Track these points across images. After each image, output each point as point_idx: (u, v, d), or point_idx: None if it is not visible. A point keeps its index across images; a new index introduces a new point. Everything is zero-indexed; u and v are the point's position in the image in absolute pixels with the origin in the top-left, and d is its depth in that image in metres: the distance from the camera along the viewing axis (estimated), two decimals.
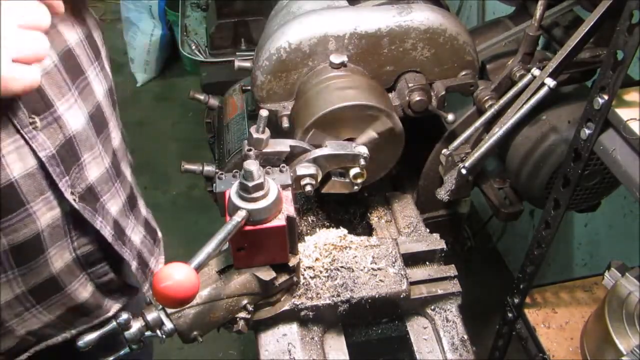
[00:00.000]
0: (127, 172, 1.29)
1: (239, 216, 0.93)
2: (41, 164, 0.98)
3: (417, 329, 1.26)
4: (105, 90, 1.16)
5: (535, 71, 1.26)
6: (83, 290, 1.16)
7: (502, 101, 1.29)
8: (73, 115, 1.04)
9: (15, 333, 1.10)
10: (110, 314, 1.24)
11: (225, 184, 1.01)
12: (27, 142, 0.96)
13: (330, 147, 1.15)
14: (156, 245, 1.40)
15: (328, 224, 1.41)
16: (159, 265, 1.37)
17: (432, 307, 1.26)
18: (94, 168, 1.12)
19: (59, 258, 1.08)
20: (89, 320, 1.21)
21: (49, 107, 0.99)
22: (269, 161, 1.10)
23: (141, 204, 1.39)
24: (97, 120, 1.12)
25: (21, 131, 0.95)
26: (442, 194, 1.40)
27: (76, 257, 1.11)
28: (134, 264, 1.24)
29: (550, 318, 1.50)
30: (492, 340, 1.69)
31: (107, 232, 1.14)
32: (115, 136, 1.21)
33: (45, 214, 1.02)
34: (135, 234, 1.28)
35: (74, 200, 1.05)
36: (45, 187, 1.00)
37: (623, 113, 1.04)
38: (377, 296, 1.17)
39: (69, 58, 1.05)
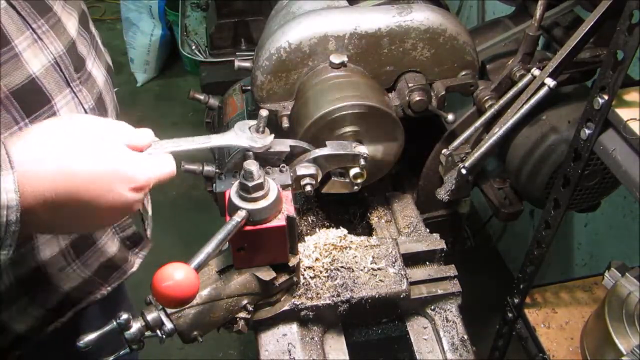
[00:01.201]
0: None
1: (239, 216, 0.93)
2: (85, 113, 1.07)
3: (417, 329, 1.26)
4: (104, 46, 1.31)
5: (535, 71, 1.26)
6: (112, 244, 1.26)
7: (502, 101, 1.29)
8: (97, 72, 1.16)
9: (60, 289, 1.18)
10: (134, 268, 1.36)
11: (225, 184, 1.01)
12: (75, 95, 1.06)
13: (330, 147, 1.15)
14: None
15: (328, 224, 1.41)
16: (149, 203, 1.48)
17: (432, 307, 1.26)
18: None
19: None
20: (119, 276, 1.32)
21: (82, 64, 1.10)
22: (269, 161, 1.10)
23: None
24: (110, 76, 1.26)
25: (71, 84, 1.05)
26: (442, 194, 1.40)
27: None
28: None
29: (550, 318, 1.50)
30: (492, 340, 1.69)
31: None
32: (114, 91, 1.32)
33: None
34: None
35: None
36: None
37: (623, 113, 1.04)
38: (377, 296, 1.17)
39: (85, 16, 1.19)
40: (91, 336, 0.93)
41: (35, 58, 0.99)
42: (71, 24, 1.11)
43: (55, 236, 1.11)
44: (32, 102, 0.98)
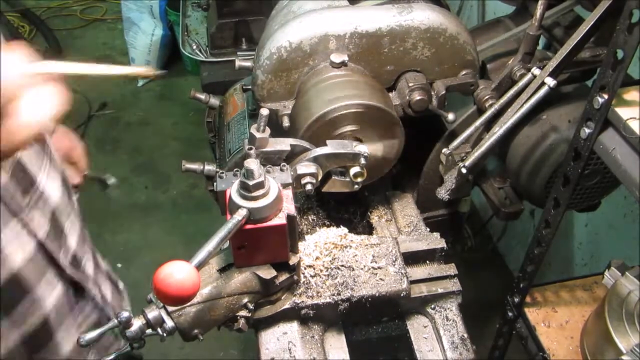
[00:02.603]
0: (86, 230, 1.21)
1: (240, 215, 0.93)
2: (39, 245, 0.94)
3: (417, 328, 1.26)
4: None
5: (536, 70, 1.26)
6: None
7: (502, 100, 1.29)
8: (52, 186, 0.99)
9: None
10: None
11: (225, 182, 1.01)
12: (24, 226, 0.91)
13: (330, 146, 1.15)
14: (121, 296, 1.35)
15: (328, 223, 1.41)
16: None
17: (432, 306, 1.26)
18: (73, 235, 1.08)
19: (68, 340, 1.06)
20: None
21: (33, 182, 0.94)
22: (270, 160, 1.11)
23: (99, 256, 1.30)
24: (66, 185, 1.07)
25: (18, 215, 0.90)
26: (443, 193, 1.40)
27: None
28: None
29: (550, 317, 1.50)
30: (492, 339, 1.69)
31: (97, 295, 1.12)
32: (74, 194, 1.15)
33: (49, 296, 0.99)
34: (107, 289, 1.25)
35: (71, 272, 1.03)
36: (45, 267, 0.97)
37: (623, 112, 1.04)
38: (377, 295, 1.18)
39: None
40: (92, 334, 0.93)
41: None
42: None
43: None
44: None
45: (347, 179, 1.19)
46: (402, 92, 1.28)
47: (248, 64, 1.37)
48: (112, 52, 4.62)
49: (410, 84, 1.26)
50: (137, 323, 0.95)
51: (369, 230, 1.43)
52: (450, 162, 1.36)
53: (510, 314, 1.53)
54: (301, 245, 1.22)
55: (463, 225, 1.64)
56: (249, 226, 0.96)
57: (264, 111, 1.05)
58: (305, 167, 1.12)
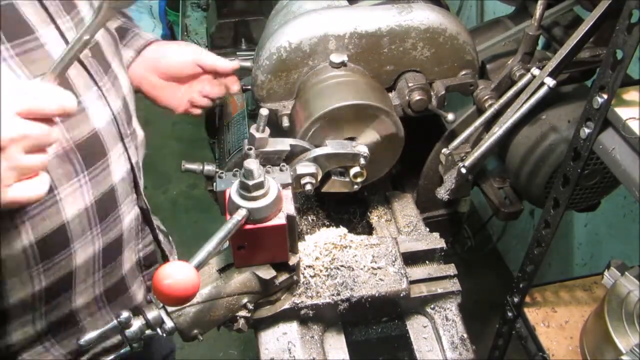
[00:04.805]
0: None
1: (239, 215, 0.93)
2: (114, 117, 1.06)
3: (417, 328, 1.26)
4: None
5: (535, 71, 1.26)
6: (139, 292, 1.25)
7: (501, 101, 1.29)
8: (122, 76, 1.14)
9: (84, 333, 1.12)
10: None
11: (225, 182, 1.01)
12: (102, 96, 1.04)
13: (330, 146, 1.15)
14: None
15: (328, 223, 1.41)
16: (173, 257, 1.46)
17: (432, 306, 1.26)
18: (135, 138, 1.22)
19: (129, 260, 1.18)
20: None
21: (108, 67, 1.08)
22: (269, 160, 1.11)
23: None
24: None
25: (124, 140, 1.11)
26: (442, 193, 1.40)
27: (139, 259, 1.23)
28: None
29: (550, 317, 1.50)
30: (491, 339, 1.69)
31: (156, 224, 1.30)
32: None
33: (117, 168, 1.09)
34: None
35: (133, 154, 1.16)
36: (116, 140, 1.08)
37: (622, 112, 1.04)
38: (377, 295, 1.18)
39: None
40: (92, 334, 0.94)
41: (99, 113, 1.02)
42: (124, 81, 1.14)
43: (93, 284, 1.11)
44: (93, 154, 1.01)
45: (347, 179, 1.19)
46: (401, 92, 1.28)
47: (248, 64, 1.37)
48: None
49: (410, 84, 1.26)
50: (136, 323, 0.96)
51: (368, 230, 1.43)
52: (450, 162, 1.36)
53: (509, 314, 1.53)
54: (301, 245, 1.22)
55: (463, 225, 1.64)
56: (248, 226, 0.96)
57: (264, 111, 1.05)
58: (304, 167, 1.12)
